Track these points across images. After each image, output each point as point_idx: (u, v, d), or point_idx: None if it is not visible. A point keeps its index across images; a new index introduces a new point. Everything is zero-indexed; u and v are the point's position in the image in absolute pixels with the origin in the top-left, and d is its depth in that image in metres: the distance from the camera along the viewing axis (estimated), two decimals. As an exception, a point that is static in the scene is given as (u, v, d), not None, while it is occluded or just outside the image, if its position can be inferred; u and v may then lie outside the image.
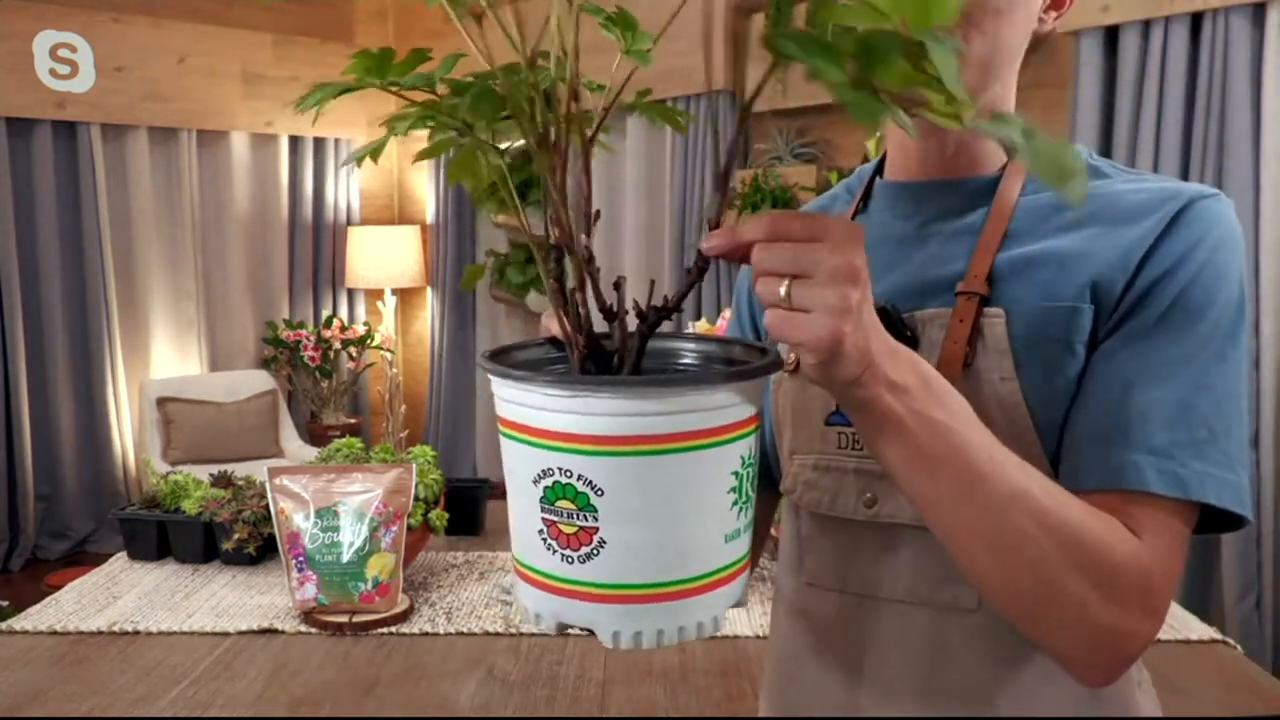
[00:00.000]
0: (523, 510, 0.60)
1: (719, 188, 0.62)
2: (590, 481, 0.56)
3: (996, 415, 0.72)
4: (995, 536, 0.63)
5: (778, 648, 0.91)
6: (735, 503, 0.60)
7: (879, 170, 0.89)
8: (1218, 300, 0.70)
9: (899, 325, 0.76)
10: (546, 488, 0.58)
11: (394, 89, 0.61)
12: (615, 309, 0.63)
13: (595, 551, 0.57)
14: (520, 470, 0.59)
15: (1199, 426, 0.68)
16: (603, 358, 0.64)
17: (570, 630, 0.61)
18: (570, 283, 0.62)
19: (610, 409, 0.55)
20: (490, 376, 0.60)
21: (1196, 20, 2.66)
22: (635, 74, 0.66)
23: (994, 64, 0.75)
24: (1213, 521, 0.70)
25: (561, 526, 0.58)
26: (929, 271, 0.79)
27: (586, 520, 0.57)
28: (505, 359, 0.65)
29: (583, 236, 0.62)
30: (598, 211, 0.63)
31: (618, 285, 0.64)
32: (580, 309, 0.62)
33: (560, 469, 0.57)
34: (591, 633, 0.60)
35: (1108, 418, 0.69)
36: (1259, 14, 2.56)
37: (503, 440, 0.61)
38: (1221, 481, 0.67)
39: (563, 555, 0.58)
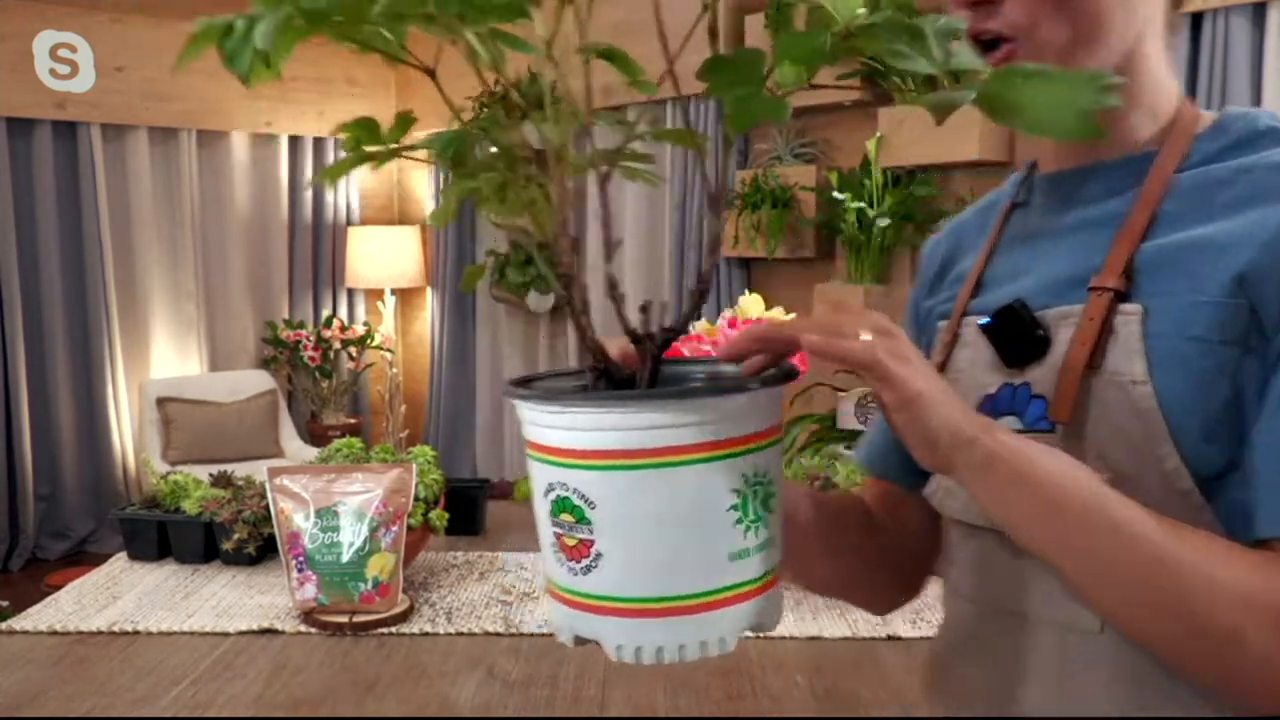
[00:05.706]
0: (542, 525, 0.62)
1: (713, 208, 0.63)
2: (583, 495, 0.58)
3: (1128, 422, 0.65)
4: (1123, 572, 0.60)
5: (938, 643, 0.87)
6: (739, 521, 0.59)
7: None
8: None
9: (1029, 325, 0.71)
10: (553, 501, 0.59)
11: (400, 154, 0.62)
12: (640, 333, 0.64)
13: (594, 564, 0.59)
14: (536, 486, 0.62)
15: None
16: (625, 380, 0.64)
17: (584, 642, 0.62)
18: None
19: (592, 424, 0.57)
20: (513, 401, 0.63)
21: (1196, 20, 2.65)
22: (635, 77, 0.65)
23: (1076, 48, 0.68)
24: None
25: (566, 539, 0.59)
26: (1070, 266, 0.72)
27: (584, 533, 0.58)
28: (535, 384, 0.67)
29: (584, 265, 0.63)
30: (619, 240, 0.63)
31: (644, 309, 0.64)
32: (588, 331, 0.63)
33: (560, 483, 0.59)
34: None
35: None
36: (1259, 14, 2.56)
37: (527, 460, 0.64)
38: None
39: (569, 568, 0.60)
